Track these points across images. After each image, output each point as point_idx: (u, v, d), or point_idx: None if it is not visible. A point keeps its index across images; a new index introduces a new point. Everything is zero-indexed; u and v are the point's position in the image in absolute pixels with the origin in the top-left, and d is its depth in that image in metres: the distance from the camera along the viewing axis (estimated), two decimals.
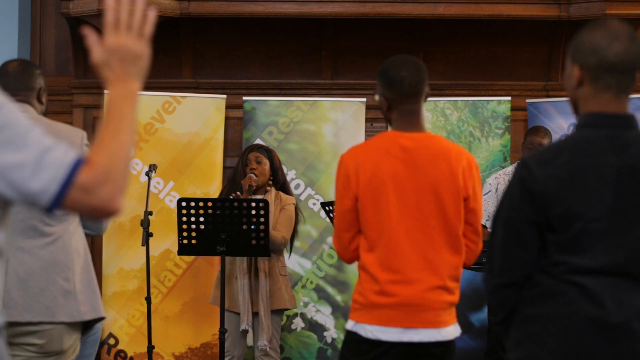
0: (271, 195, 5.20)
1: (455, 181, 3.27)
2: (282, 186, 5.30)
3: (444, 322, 3.28)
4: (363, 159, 3.29)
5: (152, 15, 1.93)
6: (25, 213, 3.39)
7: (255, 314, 5.14)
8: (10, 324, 3.34)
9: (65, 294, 3.46)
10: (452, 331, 3.31)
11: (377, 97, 3.37)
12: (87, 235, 3.77)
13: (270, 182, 5.25)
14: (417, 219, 3.26)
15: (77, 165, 1.77)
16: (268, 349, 5.15)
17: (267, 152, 5.31)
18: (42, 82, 3.66)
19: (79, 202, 1.77)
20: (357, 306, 3.30)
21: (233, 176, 5.28)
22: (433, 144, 3.32)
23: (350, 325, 3.31)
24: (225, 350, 5.14)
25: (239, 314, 5.16)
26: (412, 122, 3.32)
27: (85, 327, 3.63)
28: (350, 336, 3.31)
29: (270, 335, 5.15)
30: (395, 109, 3.32)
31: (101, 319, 3.65)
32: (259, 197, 5.12)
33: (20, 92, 3.56)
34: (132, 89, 1.87)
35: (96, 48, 1.89)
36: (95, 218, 1.84)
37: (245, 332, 5.17)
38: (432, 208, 3.26)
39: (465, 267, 3.43)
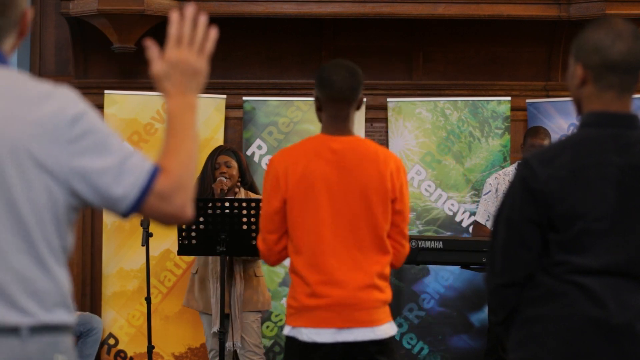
0: (241, 195, 5.24)
1: (384, 183, 3.33)
2: (251, 186, 5.35)
3: (378, 320, 3.31)
4: (293, 161, 3.34)
5: (213, 33, 1.99)
6: None
7: (227, 316, 5.15)
8: None
9: None
10: (387, 329, 3.34)
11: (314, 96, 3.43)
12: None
13: (239, 184, 5.28)
14: (346, 221, 3.30)
15: (155, 172, 1.85)
16: (251, 348, 5.18)
17: (235, 154, 5.35)
18: None
19: (155, 209, 1.85)
20: (292, 311, 3.33)
21: (202, 178, 5.29)
22: (361, 147, 3.38)
23: (287, 330, 3.35)
24: (210, 349, 5.19)
25: (210, 315, 5.20)
26: (340, 126, 3.37)
27: None
28: (289, 342, 3.35)
29: (241, 337, 5.17)
30: (325, 110, 3.38)
31: None
32: (230, 197, 5.14)
33: None
34: (191, 102, 1.94)
35: (157, 61, 1.95)
36: (166, 224, 1.91)
37: (221, 333, 5.19)
38: (360, 210, 3.31)
39: (394, 268, 3.47)
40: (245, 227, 4.91)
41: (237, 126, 6.62)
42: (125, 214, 1.86)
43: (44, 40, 6.82)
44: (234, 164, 5.28)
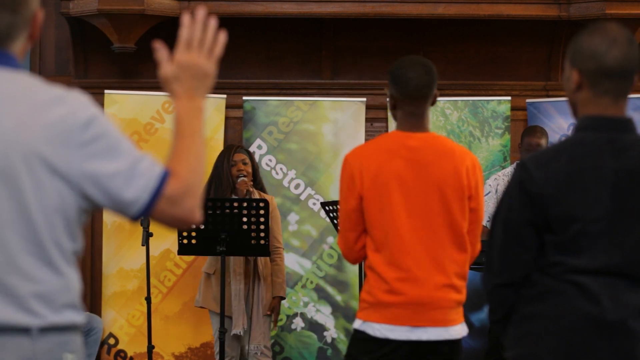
0: (255, 196, 5.23)
1: (460, 180, 3.29)
2: (262, 187, 5.35)
3: (452, 320, 3.30)
4: (367, 159, 3.31)
5: (223, 37, 2.02)
6: None
7: (250, 318, 5.14)
8: None
9: None
10: (459, 330, 3.34)
11: (388, 94, 3.41)
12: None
13: (251, 183, 5.27)
14: (423, 218, 3.28)
15: (165, 176, 1.86)
16: (262, 350, 5.16)
17: (248, 153, 5.34)
18: None
19: (165, 213, 1.87)
20: (365, 305, 3.31)
21: (218, 178, 5.26)
22: (437, 144, 3.35)
23: (357, 324, 3.33)
24: (217, 351, 5.15)
25: (230, 317, 5.16)
26: (416, 123, 3.34)
27: None
28: (358, 334, 3.32)
29: (262, 339, 5.16)
30: (400, 108, 3.35)
31: None
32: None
33: None
34: (199, 105, 1.95)
35: (166, 63, 1.96)
36: (175, 227, 1.94)
37: (238, 336, 5.16)
38: (437, 207, 3.28)
39: None
40: (245, 227, 4.91)
41: (237, 126, 6.62)
42: (135, 218, 1.88)
43: (44, 40, 6.82)
44: (249, 161, 5.28)
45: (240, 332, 5.10)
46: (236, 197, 5.13)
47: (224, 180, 5.20)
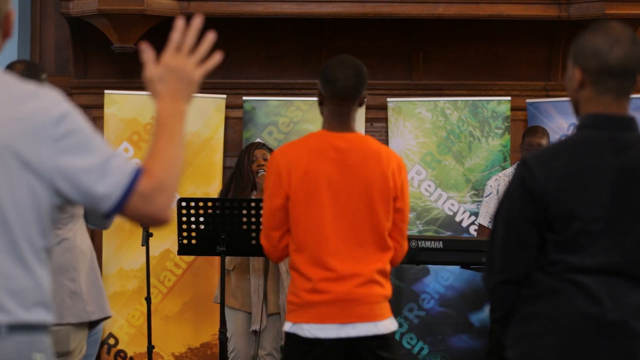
0: None
1: (386, 181, 3.34)
2: None
3: (380, 315, 3.32)
4: (295, 158, 3.33)
5: (217, 58, 2.01)
6: None
7: (269, 315, 5.12)
8: None
9: (72, 294, 3.48)
10: (388, 325, 3.35)
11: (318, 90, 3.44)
12: (91, 229, 3.78)
13: None
14: (348, 218, 3.32)
15: (138, 173, 1.86)
16: (274, 349, 5.16)
17: (270, 150, 5.33)
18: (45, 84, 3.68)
19: (137, 210, 1.87)
20: (293, 307, 3.33)
21: (239, 174, 5.26)
22: (364, 145, 3.39)
23: (288, 327, 3.35)
24: (233, 351, 5.13)
25: (249, 313, 5.14)
26: (342, 122, 3.38)
27: (90, 325, 3.65)
28: (290, 338, 3.35)
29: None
30: (327, 107, 3.38)
31: (107, 317, 3.67)
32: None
33: None
34: (181, 109, 1.94)
35: (152, 64, 1.96)
36: (147, 225, 1.91)
37: (255, 332, 5.15)
38: (362, 208, 3.32)
39: (392, 266, 3.47)
40: (245, 227, 4.90)
41: (237, 126, 6.62)
42: (107, 214, 1.87)
43: (44, 40, 6.82)
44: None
45: (258, 329, 5.10)
46: (257, 192, 5.14)
47: (245, 176, 5.20)
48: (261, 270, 5.11)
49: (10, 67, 3.63)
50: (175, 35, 1.98)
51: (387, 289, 3.37)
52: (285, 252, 3.40)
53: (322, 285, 3.28)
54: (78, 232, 3.58)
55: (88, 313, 3.54)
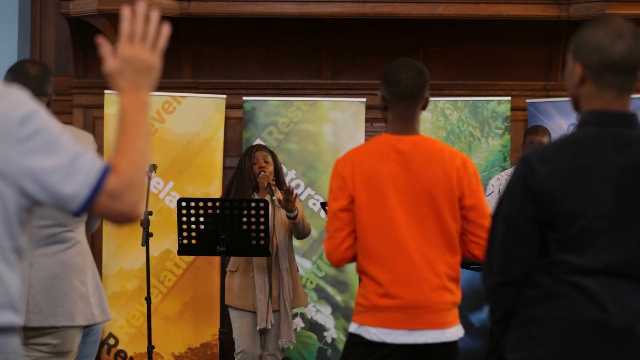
0: (277, 195, 5.17)
1: (449, 182, 3.30)
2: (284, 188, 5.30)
3: (448, 322, 3.29)
4: (359, 162, 3.32)
5: (166, 30, 1.99)
6: (48, 221, 3.45)
7: (273, 312, 5.13)
8: (34, 328, 3.41)
9: (82, 297, 3.51)
10: (456, 332, 3.33)
11: (379, 95, 3.41)
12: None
13: (274, 183, 5.23)
14: (415, 221, 3.28)
15: (106, 171, 1.84)
16: (286, 346, 5.16)
17: (271, 153, 5.32)
18: (52, 88, 3.69)
19: (106, 208, 1.84)
20: (361, 309, 3.31)
21: (240, 176, 5.25)
22: (427, 147, 3.35)
23: (353, 327, 3.32)
24: (241, 351, 5.12)
25: (254, 312, 5.14)
26: (406, 125, 3.35)
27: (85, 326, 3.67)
28: (353, 338, 3.32)
29: (292, 333, 5.15)
30: (391, 109, 3.36)
31: (107, 320, 3.71)
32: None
33: (38, 97, 3.59)
34: (144, 99, 1.93)
35: (110, 58, 1.95)
36: (118, 223, 1.91)
37: (262, 330, 5.14)
38: (428, 210, 3.29)
39: (480, 262, 3.43)
40: (245, 227, 4.90)
41: (237, 126, 6.62)
42: (76, 213, 1.85)
43: (44, 40, 6.82)
44: (271, 160, 5.25)
45: (268, 326, 5.09)
46: (257, 194, 5.13)
47: (246, 177, 5.19)
48: (265, 268, 5.12)
49: (23, 67, 3.62)
50: (125, 25, 1.96)
51: (457, 296, 3.33)
52: (347, 254, 3.34)
53: (393, 290, 3.25)
54: (84, 235, 3.62)
55: (94, 315, 3.57)
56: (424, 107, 3.37)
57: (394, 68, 3.34)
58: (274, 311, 5.13)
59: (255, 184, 5.18)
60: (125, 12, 1.96)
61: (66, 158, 1.82)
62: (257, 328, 5.11)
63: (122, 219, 1.87)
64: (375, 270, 3.27)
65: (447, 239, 3.30)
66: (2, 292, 1.84)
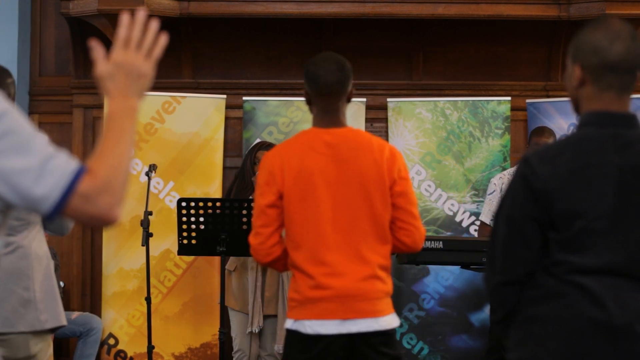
0: None
1: (380, 171, 3.33)
2: None
3: (381, 311, 3.31)
4: (288, 156, 3.34)
5: (163, 40, 1.97)
6: None
7: (267, 317, 5.11)
8: None
9: (25, 303, 3.42)
10: (390, 321, 3.34)
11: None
12: (51, 235, 3.72)
13: None
14: (345, 212, 3.31)
15: (79, 173, 1.80)
16: (281, 352, 5.14)
17: None
18: (13, 90, 3.61)
19: (79, 210, 1.80)
20: (294, 304, 3.32)
21: (242, 175, 5.25)
22: (355, 138, 3.39)
23: (289, 324, 3.34)
24: (238, 351, 5.11)
25: (247, 314, 5.13)
26: (332, 118, 3.39)
27: (52, 331, 3.59)
28: (291, 335, 3.34)
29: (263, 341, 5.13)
30: (315, 104, 3.40)
31: (62, 326, 3.60)
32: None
33: None
34: (132, 106, 1.91)
35: (101, 61, 1.93)
36: (93, 226, 1.86)
37: (252, 334, 5.13)
38: (359, 200, 3.31)
39: (413, 251, 3.46)
40: (245, 227, 4.90)
41: (237, 126, 6.62)
42: (48, 215, 1.82)
43: (44, 40, 6.82)
44: None
45: (255, 330, 5.08)
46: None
47: (247, 177, 5.19)
48: (260, 271, 5.10)
49: None
50: (122, 31, 1.95)
51: (389, 285, 3.36)
52: (272, 251, 3.36)
53: (324, 281, 3.27)
54: (34, 240, 3.51)
55: (41, 322, 3.47)
56: (348, 100, 3.42)
57: (313, 64, 3.38)
58: (269, 316, 5.10)
59: (253, 184, 5.16)
60: (124, 17, 1.95)
61: (37, 159, 1.79)
62: (247, 332, 5.09)
63: (96, 222, 1.84)
64: (306, 263, 3.29)
65: (378, 228, 3.32)
66: None
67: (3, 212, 1.86)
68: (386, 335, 3.33)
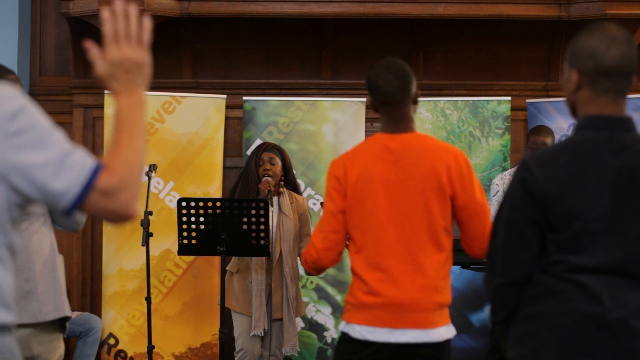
0: (285, 197, 5.13)
1: (439, 179, 3.29)
2: (293, 186, 5.26)
3: (433, 323, 3.26)
4: (350, 162, 3.34)
5: (147, 22, 1.97)
6: None
7: (273, 321, 5.09)
8: None
9: (26, 295, 3.42)
10: (443, 333, 3.29)
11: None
12: (62, 231, 3.73)
13: (282, 183, 5.20)
14: (404, 219, 3.28)
15: (98, 169, 1.82)
16: (289, 353, 5.13)
17: (280, 152, 5.25)
18: (19, 86, 3.62)
19: (98, 206, 1.83)
20: (349, 307, 3.33)
21: (246, 176, 5.22)
22: (418, 144, 3.35)
23: (342, 326, 3.35)
24: (240, 350, 5.11)
25: (250, 316, 5.11)
26: (398, 125, 3.36)
27: (61, 327, 3.59)
28: (342, 337, 3.35)
29: (296, 340, 5.10)
30: (382, 113, 3.38)
31: (66, 318, 3.59)
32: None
33: None
34: (139, 98, 1.93)
35: (99, 62, 1.94)
36: (112, 222, 1.89)
37: (256, 337, 5.11)
38: (417, 207, 3.28)
39: (481, 257, 3.40)
40: (245, 227, 4.90)
41: (237, 126, 6.62)
42: (67, 210, 1.83)
43: (44, 40, 6.82)
44: (278, 161, 5.17)
45: (260, 334, 5.06)
46: (259, 196, 5.08)
47: (251, 178, 5.15)
48: (264, 274, 5.08)
49: None
50: (107, 27, 1.95)
51: (445, 295, 3.30)
52: (337, 258, 3.35)
53: (377, 287, 3.25)
54: (35, 232, 3.51)
55: (43, 314, 3.47)
56: (414, 103, 3.37)
57: (372, 75, 3.35)
58: (275, 320, 5.09)
59: (258, 187, 5.14)
60: (105, 13, 1.94)
61: (56, 154, 1.81)
62: (250, 334, 5.08)
63: (115, 217, 1.86)
64: (362, 268, 3.28)
65: (436, 236, 3.28)
66: None
67: (21, 206, 1.88)
68: (436, 348, 3.27)
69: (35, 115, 1.84)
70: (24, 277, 3.43)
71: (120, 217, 1.85)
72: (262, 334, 5.05)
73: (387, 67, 3.35)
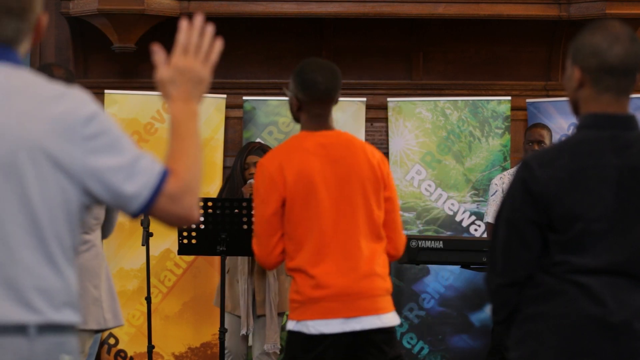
0: None
1: (374, 172, 3.37)
2: None
3: (383, 308, 3.33)
4: (286, 159, 3.35)
5: (219, 45, 2.04)
6: None
7: (258, 317, 5.11)
8: None
9: (94, 301, 3.49)
10: (391, 318, 3.36)
11: (288, 95, 3.46)
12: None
13: None
14: (344, 211, 3.34)
15: (165, 174, 1.89)
16: (271, 351, 5.13)
17: (265, 153, 5.25)
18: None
19: (165, 210, 1.89)
20: (296, 305, 3.33)
21: (232, 178, 5.23)
22: (346, 139, 3.45)
23: (291, 325, 3.35)
24: (227, 351, 5.13)
25: (239, 316, 5.13)
26: (322, 123, 3.42)
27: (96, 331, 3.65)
28: (293, 336, 3.34)
29: (278, 338, 5.12)
30: (306, 111, 3.41)
31: (120, 325, 3.67)
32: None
33: None
34: (193, 109, 1.99)
35: (163, 66, 2.00)
36: (175, 225, 1.96)
37: (245, 336, 5.14)
38: (356, 198, 3.35)
39: (394, 259, 3.51)
40: (245, 227, 4.90)
41: (237, 126, 6.62)
42: (135, 213, 1.90)
43: (44, 40, 6.81)
44: None
45: (248, 333, 5.08)
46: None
47: (237, 181, 5.16)
48: (247, 273, 5.10)
49: (49, 69, 3.61)
50: (181, 36, 2.02)
51: (388, 283, 3.39)
52: (280, 258, 3.38)
53: (325, 280, 3.28)
54: (99, 239, 3.59)
55: (106, 320, 3.54)
56: (335, 103, 3.46)
57: (309, 71, 3.41)
58: (259, 316, 5.11)
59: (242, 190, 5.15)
60: (183, 23, 2.01)
61: (128, 158, 1.87)
62: (240, 334, 5.10)
63: (180, 221, 1.92)
64: (308, 264, 3.30)
65: (373, 226, 3.36)
66: (66, 290, 1.87)
67: (88, 208, 1.92)
68: (388, 333, 3.35)
69: (107, 120, 1.90)
70: (94, 283, 3.49)
71: (184, 221, 1.92)
72: (247, 333, 5.07)
73: (321, 65, 3.47)
